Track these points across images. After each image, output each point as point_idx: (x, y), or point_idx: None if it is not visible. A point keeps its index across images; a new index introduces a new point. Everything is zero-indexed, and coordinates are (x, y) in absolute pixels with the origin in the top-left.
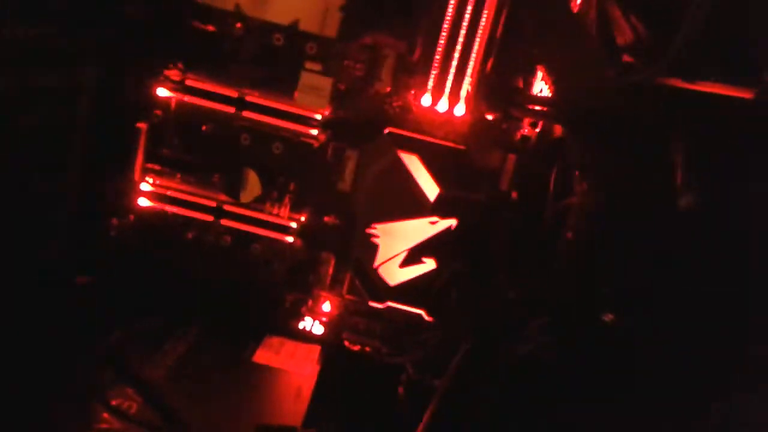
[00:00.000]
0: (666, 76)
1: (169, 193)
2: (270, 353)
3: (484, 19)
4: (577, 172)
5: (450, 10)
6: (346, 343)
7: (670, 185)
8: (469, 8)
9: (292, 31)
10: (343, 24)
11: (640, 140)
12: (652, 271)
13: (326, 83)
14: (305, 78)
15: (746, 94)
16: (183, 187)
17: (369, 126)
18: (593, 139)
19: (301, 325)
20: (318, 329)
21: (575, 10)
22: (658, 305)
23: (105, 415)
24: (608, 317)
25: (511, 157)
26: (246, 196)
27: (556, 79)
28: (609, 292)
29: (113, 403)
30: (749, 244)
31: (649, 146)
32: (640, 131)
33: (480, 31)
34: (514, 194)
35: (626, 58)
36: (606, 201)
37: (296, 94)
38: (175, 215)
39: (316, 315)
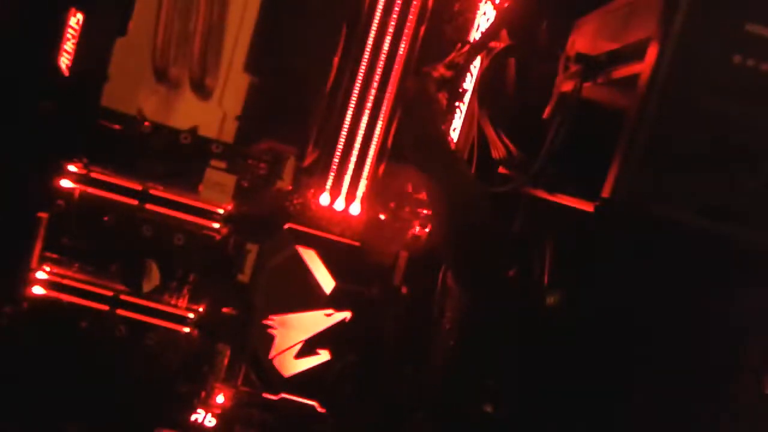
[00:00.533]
0: (531, 186)
1: (65, 281)
2: None
3: (378, 128)
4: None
5: (348, 120)
6: None
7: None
8: (365, 119)
9: (192, 134)
10: (240, 130)
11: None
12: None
13: (230, 180)
14: (210, 174)
15: (587, 207)
16: (80, 276)
17: (270, 221)
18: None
19: (193, 417)
20: (210, 422)
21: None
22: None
23: None
24: (488, 408)
25: (403, 254)
26: (144, 287)
27: (428, 192)
28: (490, 384)
29: None
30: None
31: (515, 252)
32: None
33: (375, 139)
34: (404, 289)
35: (501, 170)
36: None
37: (201, 189)
38: (70, 304)
39: (209, 407)
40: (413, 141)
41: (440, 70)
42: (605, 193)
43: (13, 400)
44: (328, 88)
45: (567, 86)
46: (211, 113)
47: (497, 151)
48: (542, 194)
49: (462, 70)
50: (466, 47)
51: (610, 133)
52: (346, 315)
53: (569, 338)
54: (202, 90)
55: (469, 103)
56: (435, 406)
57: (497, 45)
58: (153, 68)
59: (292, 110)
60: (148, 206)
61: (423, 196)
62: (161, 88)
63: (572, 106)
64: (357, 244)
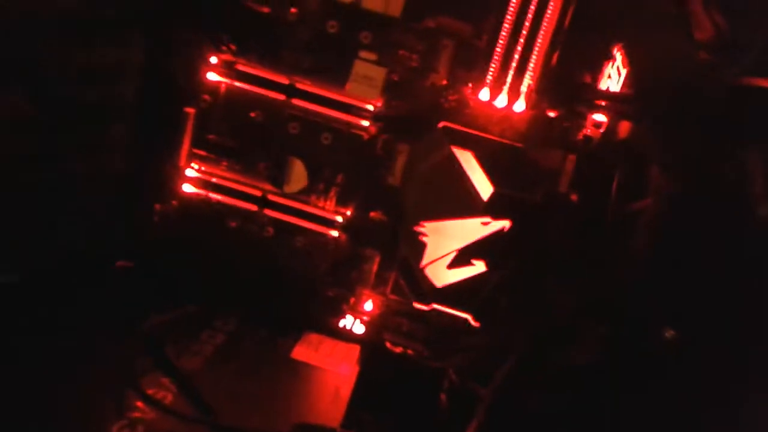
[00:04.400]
0: (750, 75)
1: (214, 179)
2: (308, 350)
3: (551, 8)
4: (655, 170)
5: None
6: (388, 344)
7: (747, 194)
8: None
9: (354, 8)
10: (408, 4)
11: (721, 143)
12: (719, 287)
13: (379, 73)
14: (358, 67)
15: None
16: (228, 174)
17: (422, 119)
18: (676, 134)
19: (341, 323)
20: (359, 328)
21: None
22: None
23: (139, 403)
24: (669, 333)
25: (571, 158)
26: (292, 187)
27: (638, 68)
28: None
29: (148, 392)
30: None
31: (728, 151)
32: (721, 132)
33: (546, 22)
34: (573, 197)
35: (703, 55)
36: (685, 204)
37: (348, 84)
38: (219, 203)
39: (357, 313)
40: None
41: None
42: None
43: (165, 294)
44: None
45: None
46: None
47: (702, 31)
48: (762, 83)
49: None
50: None
51: None
52: (505, 224)
53: None
54: None
55: None
56: (604, 325)
57: None
58: None
59: None
60: (295, 101)
61: (600, 90)
62: None
63: None
64: (519, 145)
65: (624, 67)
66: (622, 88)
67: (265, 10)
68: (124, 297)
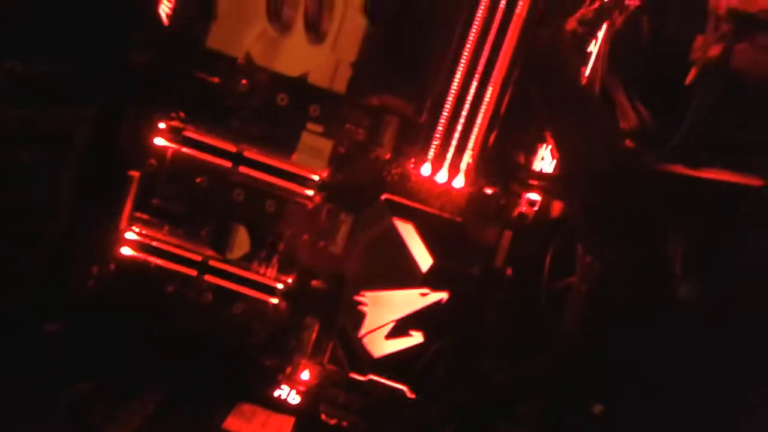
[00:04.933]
0: (671, 162)
1: (154, 243)
2: (241, 421)
3: (489, 93)
4: (580, 250)
5: (456, 83)
6: (323, 416)
7: (668, 275)
8: (475, 83)
9: (300, 83)
10: (353, 81)
11: (642, 225)
12: (645, 361)
13: (326, 145)
14: (306, 138)
15: (755, 182)
16: (169, 239)
17: (366, 191)
18: (599, 217)
19: (276, 393)
20: (294, 399)
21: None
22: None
23: None
24: (597, 409)
25: (507, 234)
26: (233, 253)
27: (565, 152)
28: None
29: None
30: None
31: (649, 233)
32: (642, 216)
33: (484, 105)
34: (508, 271)
35: (628, 143)
36: (606, 281)
37: (295, 154)
38: (157, 267)
39: (293, 383)
40: (548, 94)
41: (573, 24)
42: None
43: (94, 360)
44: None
45: (713, 50)
46: (325, 59)
47: (627, 121)
48: (681, 170)
49: (594, 27)
50: (597, 3)
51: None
52: (443, 296)
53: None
54: (315, 33)
55: (593, 69)
56: (536, 401)
57: (632, 1)
58: (265, 7)
59: (412, 62)
60: (242, 169)
61: (534, 168)
62: (272, 29)
63: (720, 72)
64: (459, 219)
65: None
66: (554, 169)
67: (215, 80)
68: (52, 362)
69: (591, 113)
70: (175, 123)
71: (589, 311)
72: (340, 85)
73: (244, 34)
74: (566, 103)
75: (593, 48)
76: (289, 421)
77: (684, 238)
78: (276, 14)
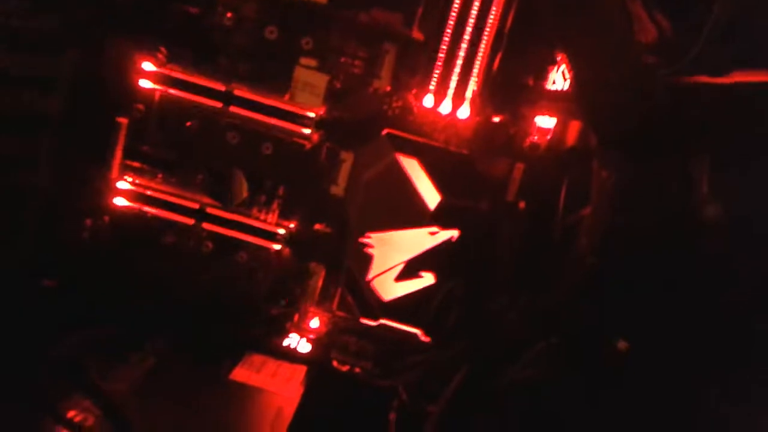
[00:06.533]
0: (694, 73)
1: (148, 192)
2: (250, 371)
3: (492, 13)
4: (597, 167)
5: (456, 3)
6: (335, 363)
7: (691, 196)
8: (476, 2)
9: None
10: None
11: (664, 141)
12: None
13: (321, 80)
14: (299, 74)
15: None
16: (164, 187)
17: (366, 127)
18: (617, 132)
19: (285, 342)
20: (304, 347)
21: None
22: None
23: (57, 428)
24: (621, 344)
25: (519, 166)
26: (232, 199)
27: (580, 68)
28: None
29: (68, 415)
30: None
31: (670, 149)
32: (664, 131)
33: (488, 27)
34: (521, 204)
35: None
36: (624, 198)
37: (289, 91)
38: (153, 217)
39: (302, 332)
40: (560, 8)
41: None
42: None
43: (93, 314)
44: None
45: None
46: None
47: (645, 34)
48: (704, 79)
49: None
50: None
51: None
52: (453, 233)
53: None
54: None
55: None
56: (555, 338)
57: None
58: None
59: None
60: (233, 109)
61: (546, 90)
62: None
63: None
64: (465, 152)
65: (567, 72)
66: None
67: (193, 10)
68: (49, 317)
69: (608, 25)
70: (158, 62)
71: (605, 233)
72: None
73: None
74: (581, 15)
75: None
76: (301, 369)
77: (708, 157)
78: None
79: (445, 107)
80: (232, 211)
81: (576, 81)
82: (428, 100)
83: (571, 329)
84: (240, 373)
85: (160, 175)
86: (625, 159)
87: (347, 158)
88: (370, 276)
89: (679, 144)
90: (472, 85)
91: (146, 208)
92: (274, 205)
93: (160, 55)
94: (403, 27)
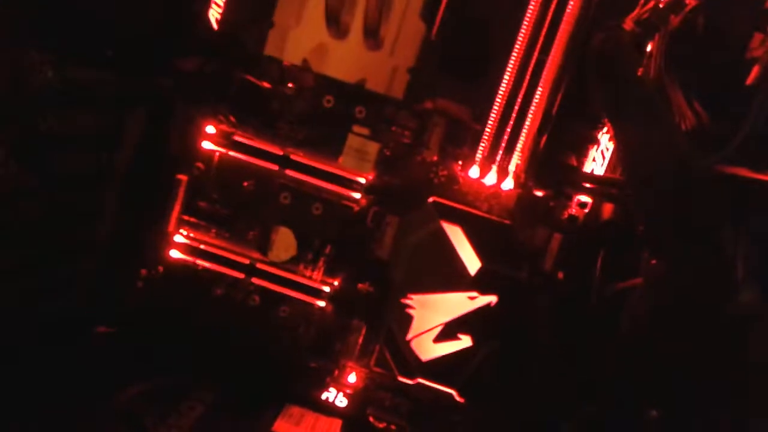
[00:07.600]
0: (736, 163)
1: (202, 246)
2: (289, 424)
3: (538, 94)
4: (646, 254)
5: (504, 84)
6: (371, 419)
7: (729, 281)
8: (525, 83)
9: (358, 89)
10: (410, 86)
11: (706, 227)
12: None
13: (372, 148)
14: (351, 141)
15: None
16: (217, 242)
17: (412, 194)
18: (665, 219)
19: (324, 396)
20: (341, 401)
21: None
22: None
23: None
24: (653, 414)
25: (557, 237)
26: (281, 256)
27: (630, 153)
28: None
29: None
30: None
31: (711, 236)
32: (706, 218)
33: (534, 107)
34: (560, 274)
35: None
36: (669, 284)
37: (342, 157)
38: (205, 270)
39: (340, 386)
40: (611, 100)
41: (630, 24)
42: None
43: (143, 362)
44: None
45: None
46: (382, 65)
47: (684, 122)
48: (746, 172)
49: (650, 27)
50: (652, 2)
51: None
52: (492, 299)
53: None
54: (374, 39)
55: (650, 68)
56: (589, 408)
57: (690, 0)
58: (324, 14)
59: (469, 67)
60: (288, 172)
61: (586, 174)
62: (330, 36)
63: None
64: (507, 222)
65: (608, 150)
66: (605, 171)
67: (266, 84)
68: (104, 363)
69: (655, 113)
70: (224, 127)
71: (652, 315)
72: (398, 91)
73: (301, 41)
74: (630, 102)
75: (650, 48)
76: (337, 423)
77: (746, 242)
78: (334, 21)
79: (490, 179)
80: (281, 267)
81: (625, 164)
82: (474, 171)
83: (609, 399)
84: (281, 426)
85: (214, 231)
86: (672, 245)
87: (393, 222)
88: (410, 336)
89: (717, 230)
90: (516, 160)
91: (199, 261)
92: (321, 263)
93: (227, 121)
94: (471, 120)
